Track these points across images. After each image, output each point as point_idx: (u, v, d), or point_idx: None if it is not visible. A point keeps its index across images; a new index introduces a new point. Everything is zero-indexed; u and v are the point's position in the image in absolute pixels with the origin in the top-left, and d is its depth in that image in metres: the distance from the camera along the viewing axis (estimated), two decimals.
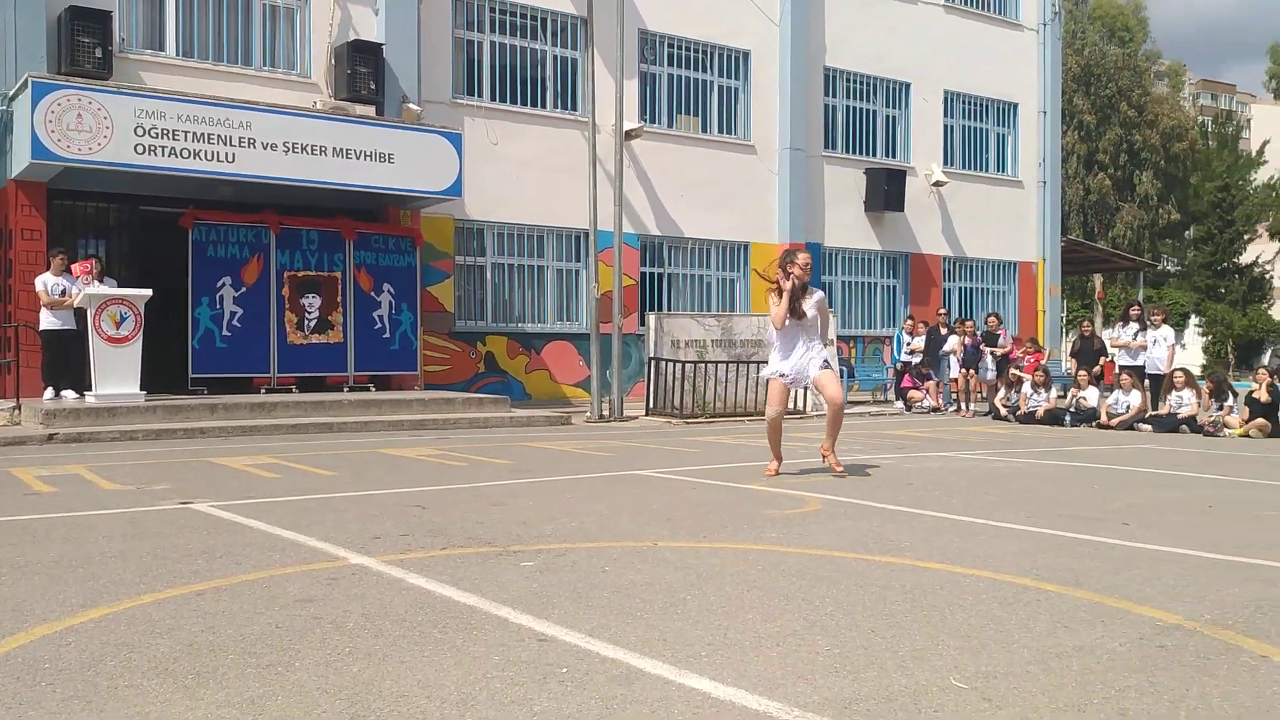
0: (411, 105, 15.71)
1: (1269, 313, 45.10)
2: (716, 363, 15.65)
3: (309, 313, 14.85)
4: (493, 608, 3.87)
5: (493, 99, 17.57)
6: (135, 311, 12.19)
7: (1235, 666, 3.22)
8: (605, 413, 14.89)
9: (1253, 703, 2.88)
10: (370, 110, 15.20)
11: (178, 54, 14.70)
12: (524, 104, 17.91)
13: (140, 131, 12.59)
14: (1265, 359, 15.21)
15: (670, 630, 3.58)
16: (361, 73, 15.20)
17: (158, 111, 12.74)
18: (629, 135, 17.58)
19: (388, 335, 15.51)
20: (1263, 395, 13.30)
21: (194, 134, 12.93)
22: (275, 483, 7.59)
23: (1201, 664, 3.24)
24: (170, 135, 12.79)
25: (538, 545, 5.11)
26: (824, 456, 8.24)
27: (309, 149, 13.72)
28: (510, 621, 3.68)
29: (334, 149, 13.91)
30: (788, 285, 7.96)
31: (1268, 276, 48.01)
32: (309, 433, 12.09)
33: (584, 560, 4.75)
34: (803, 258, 8.12)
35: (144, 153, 12.63)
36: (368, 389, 15.06)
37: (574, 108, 18.27)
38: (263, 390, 14.27)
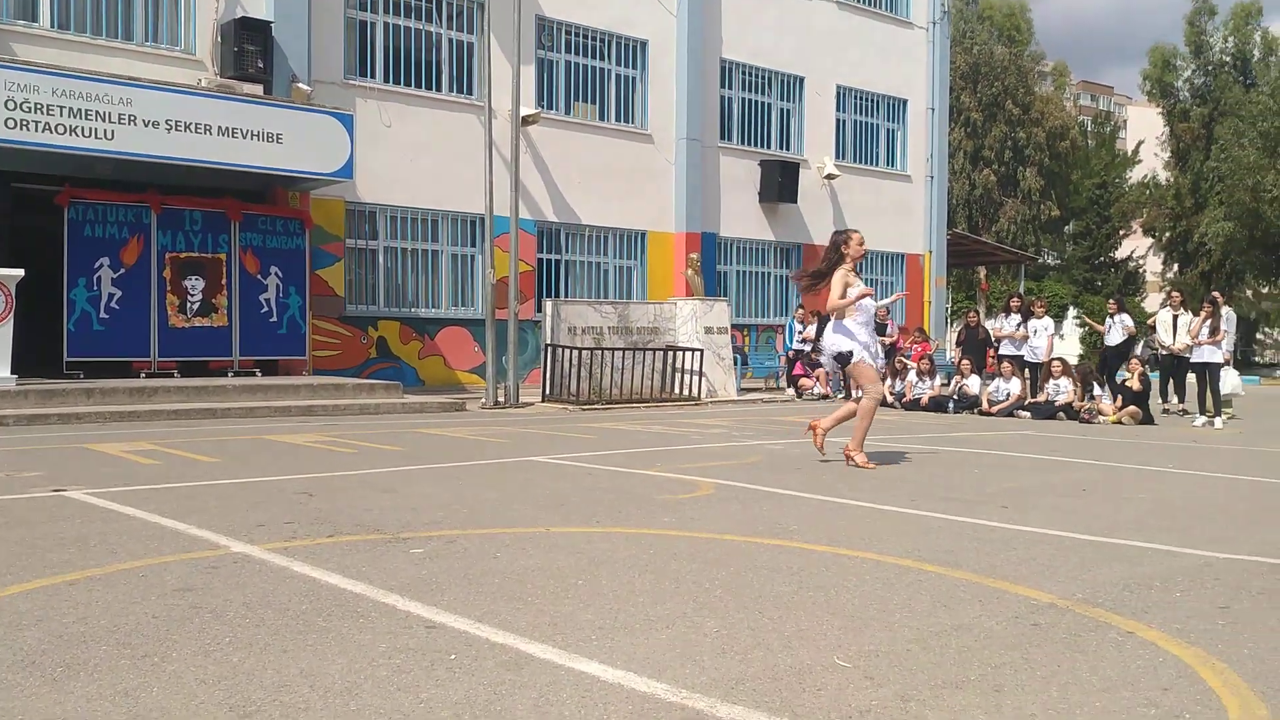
0: (301, 85, 15.33)
1: (1142, 305, 47.10)
2: (614, 350, 15.68)
3: (192, 295, 14.39)
4: (380, 595, 3.81)
5: (386, 81, 17.24)
6: (5, 292, 11.64)
7: (1104, 642, 3.36)
8: (501, 399, 14.78)
9: (1118, 676, 3.01)
10: (258, 89, 14.78)
11: (53, 26, 14.05)
12: (419, 87, 17.62)
13: (11, 105, 12.00)
14: (1138, 350, 15.93)
15: (560, 615, 3.58)
16: (249, 50, 14.75)
17: (31, 85, 12.16)
18: (526, 121, 17.45)
19: (275, 319, 15.13)
20: (1135, 384, 13.90)
21: (70, 109, 12.39)
22: (154, 470, 7.34)
23: (1072, 640, 3.38)
24: (44, 110, 12.22)
25: (428, 532, 5.05)
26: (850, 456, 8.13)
27: (193, 127, 13.27)
28: (398, 609, 3.63)
29: (220, 128, 13.48)
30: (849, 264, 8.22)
31: (1141, 270, 50.17)
32: (191, 419, 11.73)
33: (475, 546, 4.72)
34: (859, 235, 8.44)
35: (15, 127, 12.05)
36: (254, 374, 14.67)
37: (470, 92, 18.05)
38: (142, 375, 13.79)
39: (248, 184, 14.83)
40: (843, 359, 8.31)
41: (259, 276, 14.98)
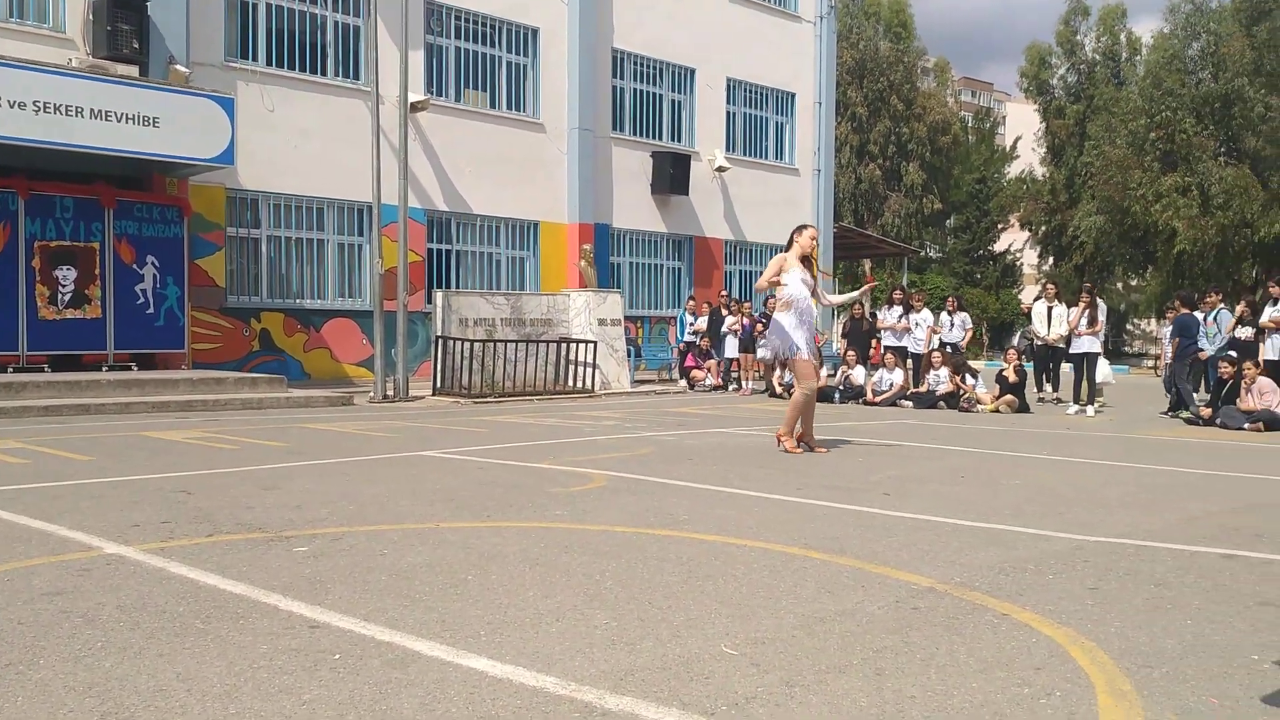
0: (179, 67, 14.79)
1: (1019, 297, 48.82)
2: (506, 342, 15.56)
3: (63, 286, 13.79)
4: (261, 595, 3.72)
5: (269, 64, 16.77)
6: None
7: (980, 625, 3.47)
8: (390, 393, 14.54)
9: (994, 657, 3.11)
10: (133, 70, 14.20)
11: None
12: (303, 70, 17.19)
13: None
14: (1015, 340, 16.52)
15: (449, 611, 3.54)
16: (123, 30, 14.15)
17: None
18: (414, 108, 17.18)
19: (152, 310, 14.60)
20: (1011, 375, 14.40)
21: None
22: (22, 469, 7.02)
23: (950, 623, 3.48)
24: None
25: (312, 530, 4.94)
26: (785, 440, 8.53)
27: (63, 109, 12.69)
28: (280, 609, 3.55)
29: (92, 110, 12.93)
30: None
31: (1018, 263, 51.96)
32: (63, 415, 11.25)
33: (361, 544, 4.63)
34: (813, 230, 8.76)
35: None
36: (129, 368, 14.13)
37: (356, 77, 17.69)
38: (10, 369, 13.15)
39: (123, 169, 14.26)
40: (786, 353, 8.63)
41: (134, 266, 14.43)
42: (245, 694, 2.72)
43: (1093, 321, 14.23)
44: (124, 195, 14.39)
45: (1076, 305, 15.66)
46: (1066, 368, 16.93)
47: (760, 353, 9.08)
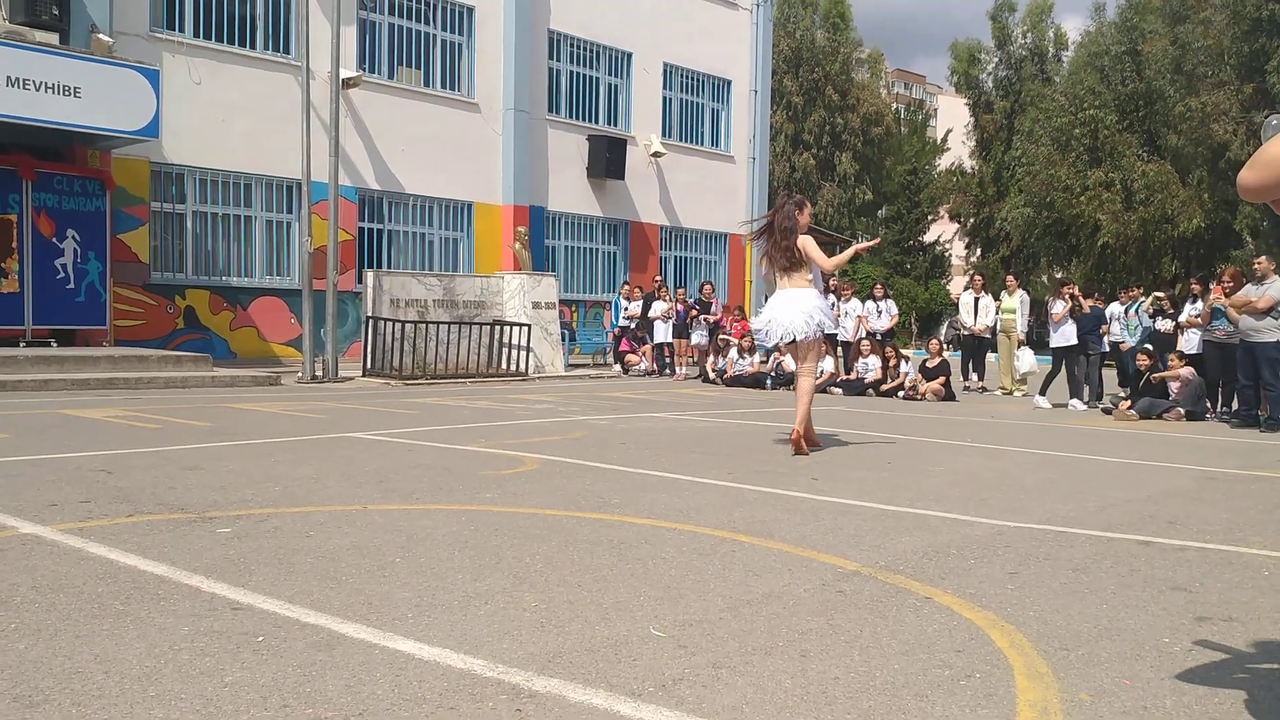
0: (102, 36, 14.37)
1: (948, 287, 49.62)
2: (439, 323, 15.43)
3: None
4: (183, 577, 3.65)
5: (196, 35, 16.38)
6: None
7: (903, 607, 3.53)
8: (319, 373, 14.34)
9: (916, 639, 3.17)
10: (53, 38, 13.77)
11: None
12: (231, 43, 16.81)
13: None
14: (942, 331, 16.81)
15: (376, 594, 3.51)
16: None
17: None
18: (346, 84, 16.92)
19: (72, 286, 14.22)
20: (934, 363, 14.66)
21: None
22: None
23: (875, 606, 3.54)
24: None
25: (237, 511, 4.86)
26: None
27: None
28: (203, 590, 3.49)
29: (8, 78, 12.54)
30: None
31: (947, 254, 52.82)
32: None
33: (287, 525, 4.57)
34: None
35: None
36: (48, 344, 13.75)
37: (287, 51, 17.35)
38: None
39: (42, 140, 13.84)
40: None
41: (54, 240, 14.04)
42: (165, 676, 2.67)
43: (1074, 313, 13.97)
44: (43, 166, 13.98)
45: (1005, 293, 15.97)
46: (991, 357, 17.27)
47: (774, 337, 8.09)
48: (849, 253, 8.30)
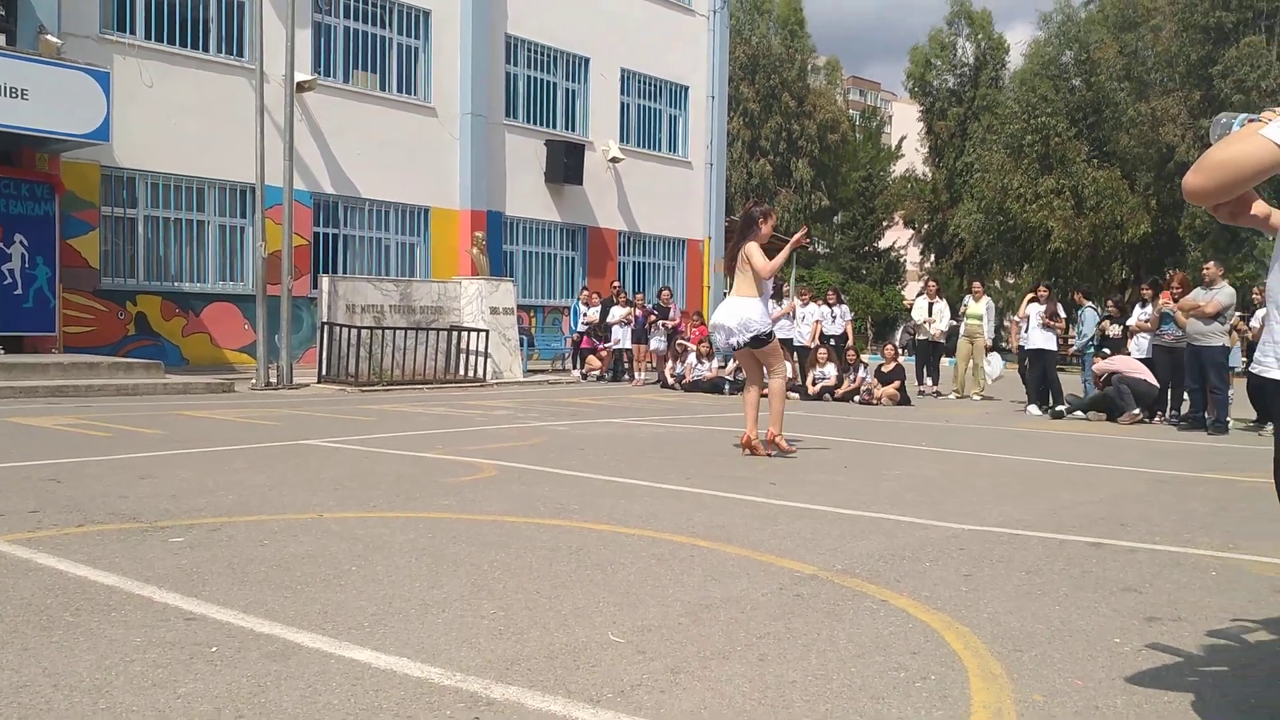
0: (50, 37, 14.13)
1: (902, 293, 50.09)
2: (395, 329, 15.32)
3: None
4: (136, 587, 3.59)
5: (148, 38, 16.16)
6: None
7: (860, 611, 3.56)
8: (273, 380, 14.18)
9: (872, 642, 3.20)
10: (0, 39, 13.53)
11: None
12: (184, 46, 16.62)
13: None
14: (897, 336, 17.01)
15: (332, 603, 3.48)
16: None
17: None
18: (301, 87, 16.77)
19: (20, 291, 13.96)
20: (889, 368, 14.81)
21: None
22: None
23: (832, 609, 3.56)
24: None
25: (190, 520, 4.80)
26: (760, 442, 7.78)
27: None
28: (155, 601, 3.44)
29: None
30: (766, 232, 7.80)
31: (902, 260, 53.35)
32: None
33: (241, 534, 4.51)
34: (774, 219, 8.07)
35: None
36: None
37: (240, 54, 17.17)
38: None
39: None
40: (760, 340, 7.79)
41: (1, 245, 13.77)
42: (116, 689, 2.63)
43: (1053, 316, 13.83)
44: None
45: (971, 299, 16.10)
46: (946, 361, 17.47)
47: (719, 343, 8.15)
48: (783, 253, 8.19)
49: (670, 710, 2.59)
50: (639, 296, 19.11)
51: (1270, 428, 5.56)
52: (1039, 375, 13.65)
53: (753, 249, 7.84)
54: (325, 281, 15.26)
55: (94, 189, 15.52)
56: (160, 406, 10.95)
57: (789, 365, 15.67)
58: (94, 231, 15.53)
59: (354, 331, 14.76)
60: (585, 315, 18.75)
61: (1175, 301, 11.97)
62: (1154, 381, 12.34)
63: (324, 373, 14.84)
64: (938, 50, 46.32)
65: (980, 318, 15.96)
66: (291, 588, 3.65)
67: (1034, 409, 13.54)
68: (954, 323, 16.78)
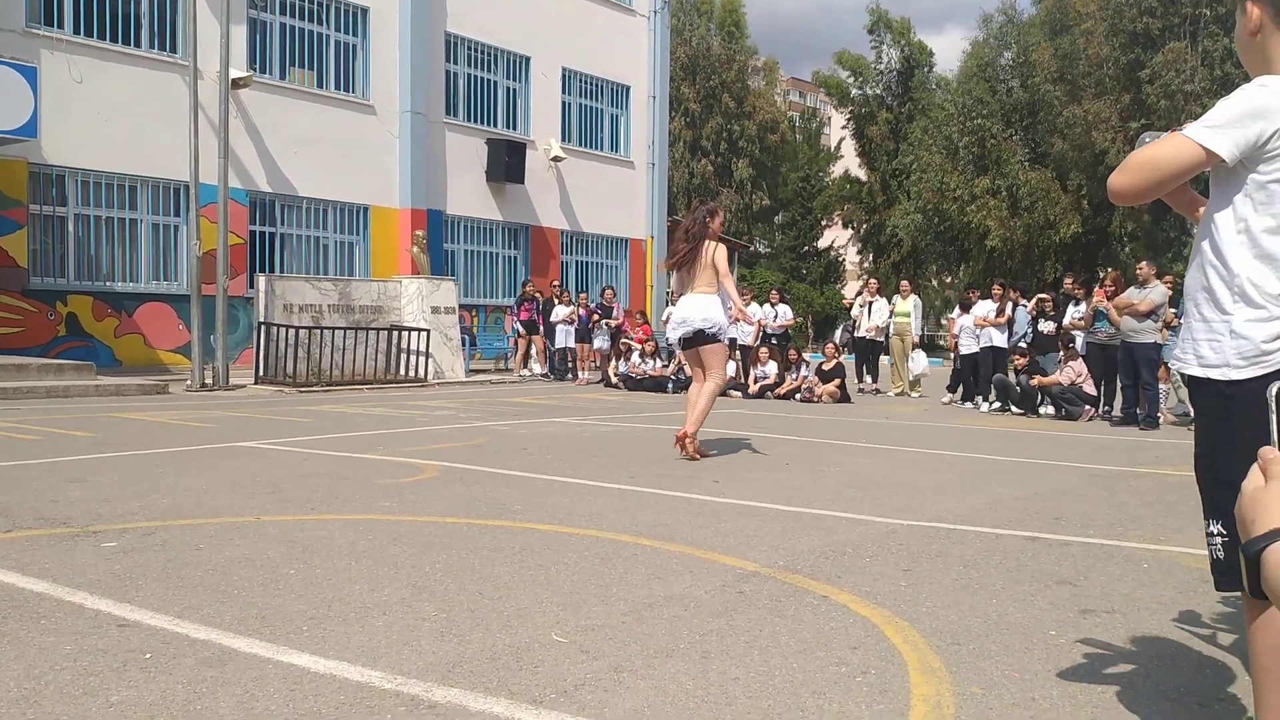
0: None
1: (842, 292, 50.59)
2: (334, 329, 15.13)
3: None
4: (66, 593, 3.50)
5: (77, 33, 15.78)
6: None
7: (801, 606, 3.59)
8: (208, 381, 13.93)
9: (813, 638, 3.22)
10: None
11: None
12: (115, 41, 16.25)
13: None
14: (837, 335, 17.20)
15: (269, 607, 3.42)
16: None
17: None
18: (236, 84, 16.49)
19: None
20: (830, 366, 14.95)
21: None
22: None
23: (774, 605, 3.59)
24: None
25: (122, 524, 4.69)
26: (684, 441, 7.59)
27: None
28: (86, 607, 3.36)
29: None
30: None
31: (841, 260, 53.86)
32: None
33: (175, 538, 4.43)
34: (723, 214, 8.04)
35: None
36: None
37: (174, 50, 16.84)
38: None
39: None
40: (706, 337, 7.70)
41: None
42: (46, 698, 2.56)
43: (1000, 313, 14.18)
44: None
45: (899, 297, 16.29)
46: (885, 359, 17.66)
47: (672, 334, 8.08)
48: (738, 300, 8.34)
49: (614, 709, 2.59)
50: (583, 296, 19.07)
51: None
52: (991, 372, 14.01)
53: (721, 250, 7.87)
54: (262, 281, 15.02)
55: (21, 186, 15.12)
56: (92, 409, 10.70)
57: (732, 364, 15.81)
58: (21, 230, 15.14)
59: (292, 331, 14.55)
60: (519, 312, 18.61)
61: (1109, 300, 12.23)
62: (1091, 391, 12.64)
63: (261, 373, 14.60)
64: (853, 63, 46.61)
65: (908, 315, 16.21)
66: (227, 592, 3.58)
67: (985, 405, 13.82)
68: (889, 321, 16.97)
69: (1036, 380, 12.96)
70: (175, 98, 15.94)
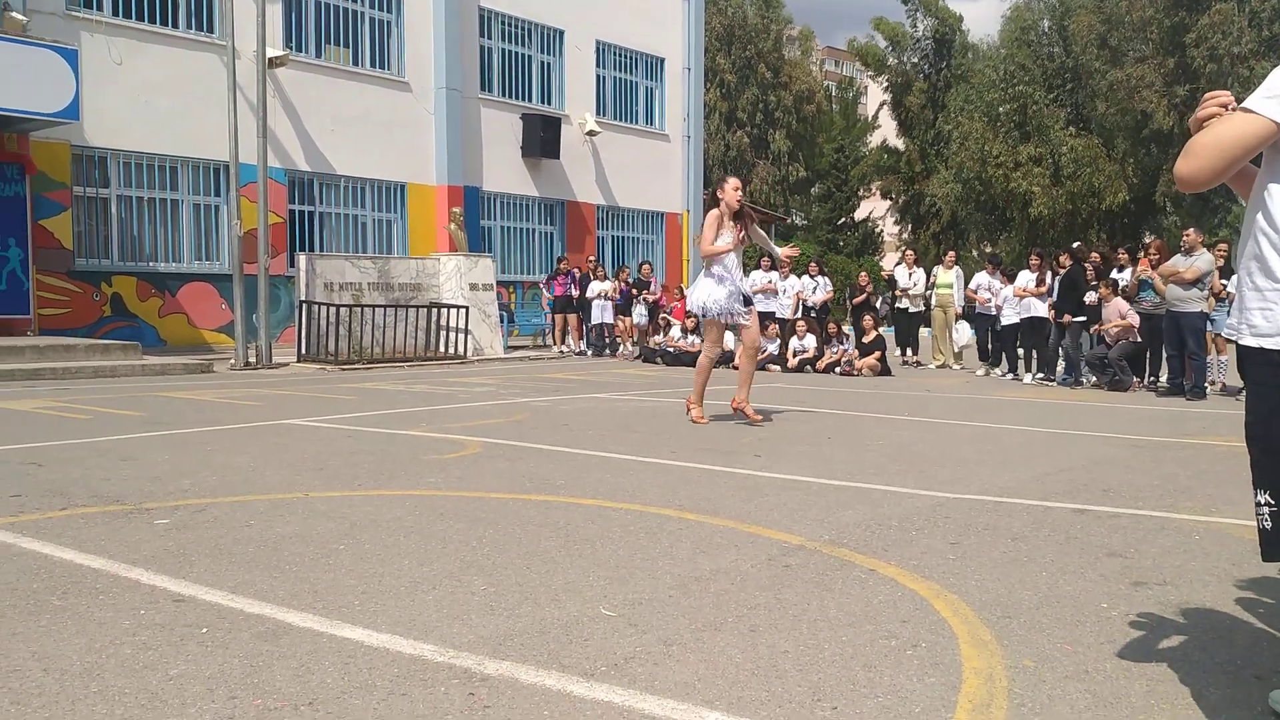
0: (14, 14, 13.87)
1: (880, 263, 50.17)
2: (374, 306, 15.23)
3: None
4: (122, 570, 3.57)
5: (116, 14, 15.91)
6: None
7: (849, 580, 3.58)
8: (252, 360, 14.09)
9: (862, 611, 3.22)
10: None
11: None
12: (153, 22, 16.37)
13: None
14: (877, 305, 17.02)
15: (321, 582, 3.47)
16: None
17: None
18: (273, 63, 16.56)
19: None
20: (870, 339, 14.85)
21: None
22: None
23: (821, 579, 3.58)
24: None
25: (174, 501, 4.77)
26: (737, 408, 8.14)
27: None
28: (143, 583, 3.42)
29: None
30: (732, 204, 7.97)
31: (878, 231, 53.36)
32: None
33: (226, 515, 4.49)
34: (735, 181, 8.19)
35: None
36: None
37: (211, 30, 16.93)
38: None
39: None
40: (703, 311, 8.13)
41: None
42: (107, 671, 2.62)
43: (1040, 282, 13.62)
44: None
45: (941, 268, 16.10)
46: (925, 331, 17.52)
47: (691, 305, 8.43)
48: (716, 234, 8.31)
49: (664, 682, 2.60)
50: (624, 270, 19.05)
51: None
52: (1037, 343, 13.67)
53: (708, 220, 8.23)
54: (302, 260, 15.14)
55: (65, 169, 15.32)
56: (139, 388, 10.86)
57: (774, 340, 15.75)
58: (66, 212, 15.34)
59: (333, 310, 14.67)
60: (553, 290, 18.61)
61: (1153, 268, 12.02)
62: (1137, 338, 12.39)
63: (303, 352, 14.75)
64: (891, 31, 45.98)
65: (950, 286, 16.01)
66: (280, 567, 3.63)
67: (1028, 377, 13.64)
68: (927, 292, 16.80)
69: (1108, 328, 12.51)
70: (214, 78, 16.04)
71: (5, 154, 14.14)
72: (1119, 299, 12.55)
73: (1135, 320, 12.39)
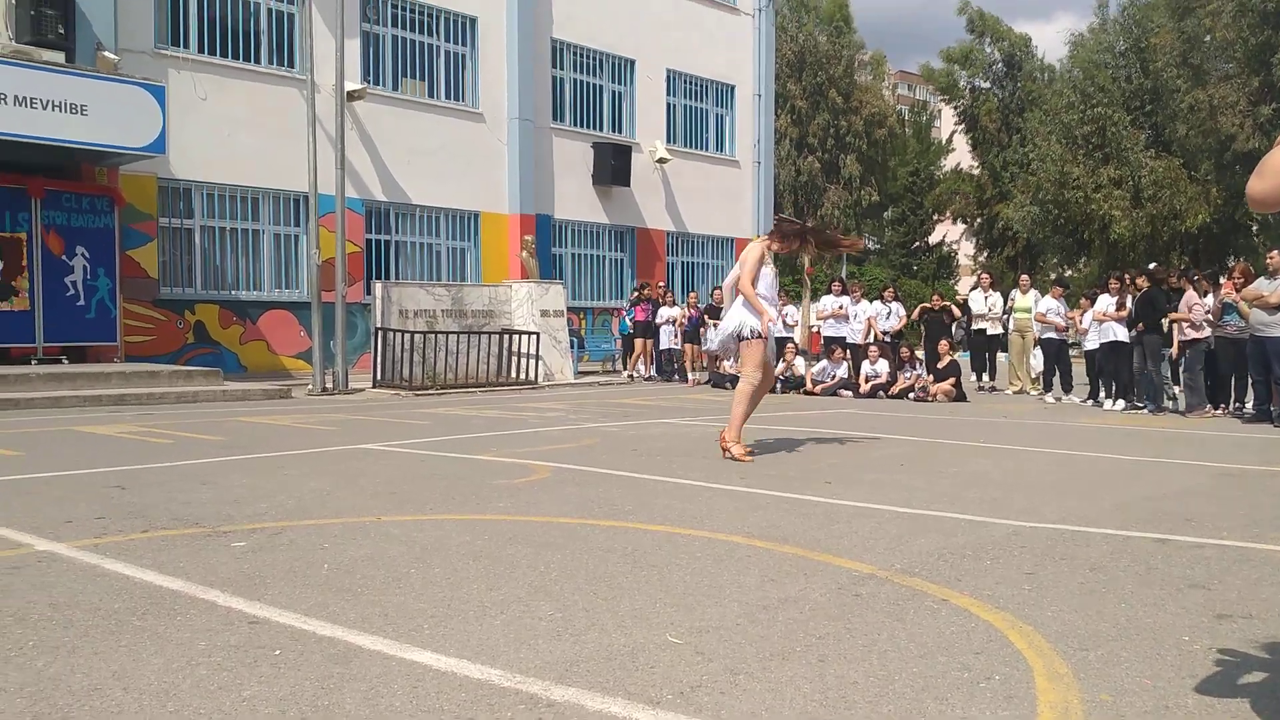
0: (107, 53, 14.44)
1: (955, 288, 49.52)
2: (447, 333, 15.45)
3: None
4: (200, 591, 3.65)
5: (201, 51, 16.46)
6: None
7: (920, 610, 3.52)
8: (329, 385, 14.36)
9: (934, 642, 3.16)
10: (59, 57, 13.83)
11: None
12: (236, 58, 16.89)
13: None
14: (952, 331, 16.77)
15: (392, 605, 3.51)
16: (48, 15, 13.79)
17: None
18: (351, 96, 16.96)
19: (82, 302, 14.27)
20: (944, 364, 14.63)
21: None
22: None
23: (892, 609, 3.52)
24: None
25: (251, 524, 4.87)
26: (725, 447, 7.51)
27: None
28: (219, 605, 3.49)
29: (16, 97, 12.59)
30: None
31: (954, 254, 52.69)
32: None
33: (301, 538, 4.57)
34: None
35: None
36: (60, 361, 13.80)
37: (291, 65, 17.42)
38: None
39: (50, 158, 13.90)
40: (738, 338, 7.79)
41: (64, 257, 14.10)
42: (184, 691, 2.67)
43: (1120, 306, 13.24)
44: (52, 185, 14.05)
45: (1018, 292, 15.81)
46: (1002, 356, 17.21)
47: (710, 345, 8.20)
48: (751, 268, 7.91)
49: (731, 711, 2.58)
50: (693, 296, 19.08)
51: None
52: (1119, 368, 13.30)
53: (747, 252, 7.98)
54: (378, 287, 15.44)
55: (152, 200, 15.83)
56: (219, 413, 11.13)
57: (845, 363, 15.62)
58: (152, 242, 15.84)
59: (407, 336, 14.91)
60: (633, 317, 18.67)
61: (1238, 292, 11.69)
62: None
63: (378, 377, 15.01)
64: (961, 55, 45.61)
65: (1028, 311, 15.70)
66: (351, 590, 3.68)
67: (1108, 403, 13.33)
68: (1004, 316, 16.51)
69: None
70: (294, 111, 16.48)
71: (96, 187, 14.66)
72: (1191, 292, 12.20)
73: (1199, 316, 12.05)
